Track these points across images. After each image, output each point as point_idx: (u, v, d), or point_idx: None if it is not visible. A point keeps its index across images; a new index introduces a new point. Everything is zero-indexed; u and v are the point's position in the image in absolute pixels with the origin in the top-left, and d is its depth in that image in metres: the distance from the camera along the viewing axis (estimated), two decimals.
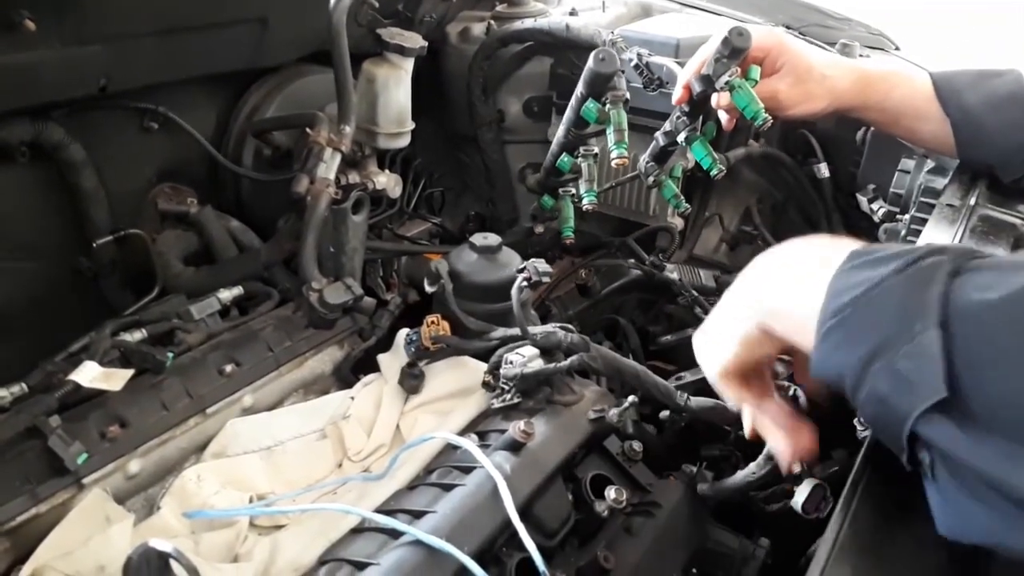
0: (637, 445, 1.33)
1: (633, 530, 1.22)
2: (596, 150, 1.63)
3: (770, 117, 1.33)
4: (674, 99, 1.45)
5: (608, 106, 1.50)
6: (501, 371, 1.24)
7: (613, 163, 1.49)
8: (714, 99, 1.39)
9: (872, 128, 1.89)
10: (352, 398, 1.47)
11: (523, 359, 1.23)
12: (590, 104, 1.54)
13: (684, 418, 1.30)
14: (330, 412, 1.43)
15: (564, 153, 1.69)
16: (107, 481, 1.17)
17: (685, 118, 1.46)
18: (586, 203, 1.59)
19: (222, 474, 1.25)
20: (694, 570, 1.23)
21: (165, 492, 1.22)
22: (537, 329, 1.26)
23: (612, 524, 1.22)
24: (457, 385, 1.42)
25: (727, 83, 1.32)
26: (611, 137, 1.48)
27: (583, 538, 1.19)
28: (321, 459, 1.37)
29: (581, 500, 1.20)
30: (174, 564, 0.81)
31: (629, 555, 1.17)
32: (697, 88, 1.38)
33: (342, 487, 1.29)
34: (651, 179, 1.65)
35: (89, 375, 1.19)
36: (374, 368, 1.53)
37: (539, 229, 1.93)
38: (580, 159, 1.62)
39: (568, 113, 1.67)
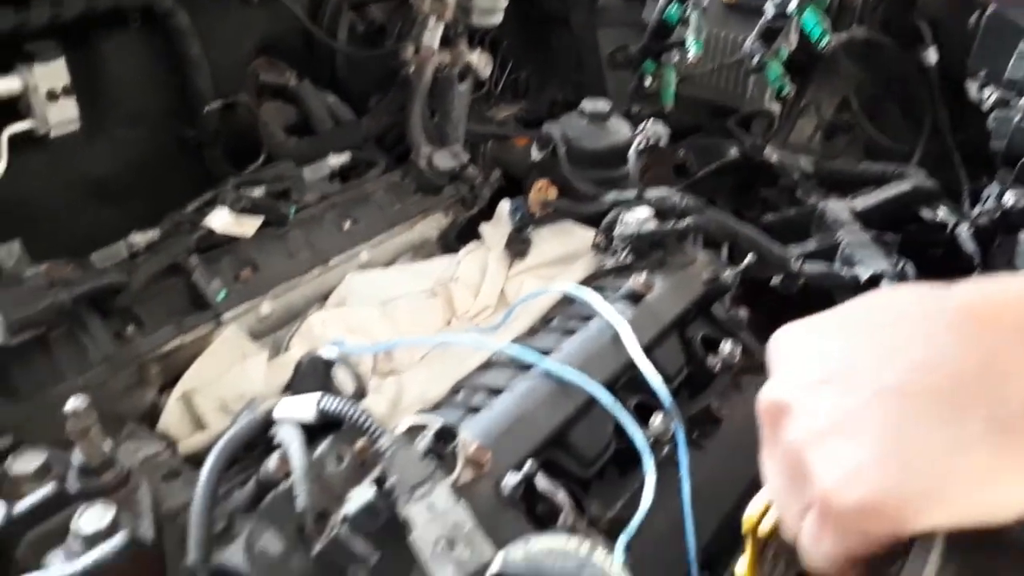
0: (743, 311, 1.36)
1: (742, 387, 1.25)
2: (705, 2, 1.60)
3: None
4: None
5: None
6: (616, 231, 1.26)
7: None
8: None
9: (988, 10, 1.81)
10: (458, 263, 1.51)
11: (638, 219, 1.24)
12: None
13: (796, 284, 1.31)
14: (438, 274, 1.48)
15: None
16: (242, 320, 1.24)
17: None
18: (692, 54, 1.57)
19: (344, 321, 1.31)
20: None
21: (293, 334, 1.29)
22: (652, 192, 1.27)
23: (721, 381, 1.26)
24: (563, 251, 1.45)
25: None
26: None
27: (692, 392, 1.22)
28: (431, 316, 1.42)
29: (692, 357, 1.24)
30: (338, 371, 0.86)
31: (738, 408, 1.20)
32: None
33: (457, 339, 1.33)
34: (756, 60, 1.62)
35: (222, 220, 1.24)
36: (475, 239, 1.57)
37: (635, 109, 1.91)
38: (690, 8, 1.59)
39: None
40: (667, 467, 1.01)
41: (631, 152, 1.23)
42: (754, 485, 1.19)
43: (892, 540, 0.48)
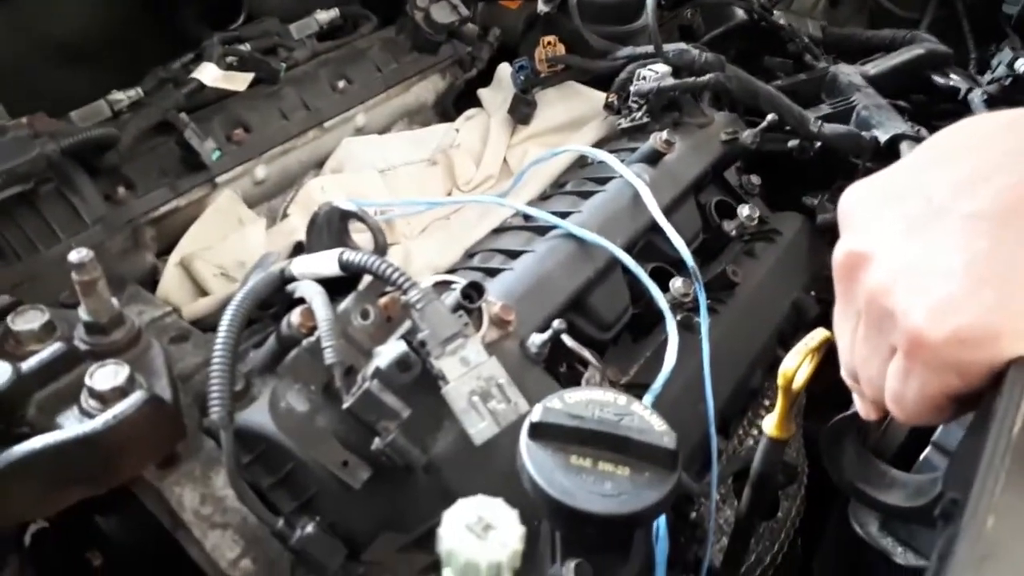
0: (755, 178, 1.32)
1: (755, 253, 1.23)
2: None
3: None
4: None
5: None
6: (632, 88, 1.19)
7: None
8: None
9: None
10: (457, 130, 1.44)
11: (657, 74, 1.18)
12: None
13: (814, 146, 1.26)
14: (437, 142, 1.41)
15: None
16: (237, 184, 1.17)
17: None
18: None
19: (344, 187, 1.24)
20: (812, 292, 1.25)
21: (291, 200, 1.23)
22: (670, 46, 1.20)
23: (734, 247, 1.23)
24: (570, 115, 1.38)
25: None
26: None
27: (706, 258, 1.20)
28: (432, 185, 1.36)
29: (707, 222, 1.21)
30: (353, 225, 0.81)
31: (752, 274, 1.19)
32: None
33: (462, 207, 1.28)
34: None
35: (211, 75, 1.15)
36: (475, 106, 1.49)
37: None
38: None
39: None
40: (683, 332, 1.00)
41: (649, 3, 1.14)
42: (766, 350, 1.20)
43: (987, 372, 0.46)
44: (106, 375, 0.70)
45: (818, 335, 0.81)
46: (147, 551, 0.82)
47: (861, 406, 0.66)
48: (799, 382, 0.81)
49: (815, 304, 1.24)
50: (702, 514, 0.98)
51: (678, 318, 1.01)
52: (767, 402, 1.24)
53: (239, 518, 0.73)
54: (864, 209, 0.56)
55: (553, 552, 0.72)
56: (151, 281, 1.03)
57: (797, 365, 0.79)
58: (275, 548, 0.74)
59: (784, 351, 1.27)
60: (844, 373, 0.62)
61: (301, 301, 0.77)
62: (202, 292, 1.05)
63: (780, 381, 0.80)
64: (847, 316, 0.57)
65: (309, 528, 0.71)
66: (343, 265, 0.75)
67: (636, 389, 1.03)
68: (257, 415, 0.74)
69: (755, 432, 1.22)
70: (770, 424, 0.86)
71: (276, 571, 0.74)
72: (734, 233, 1.17)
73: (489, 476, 0.77)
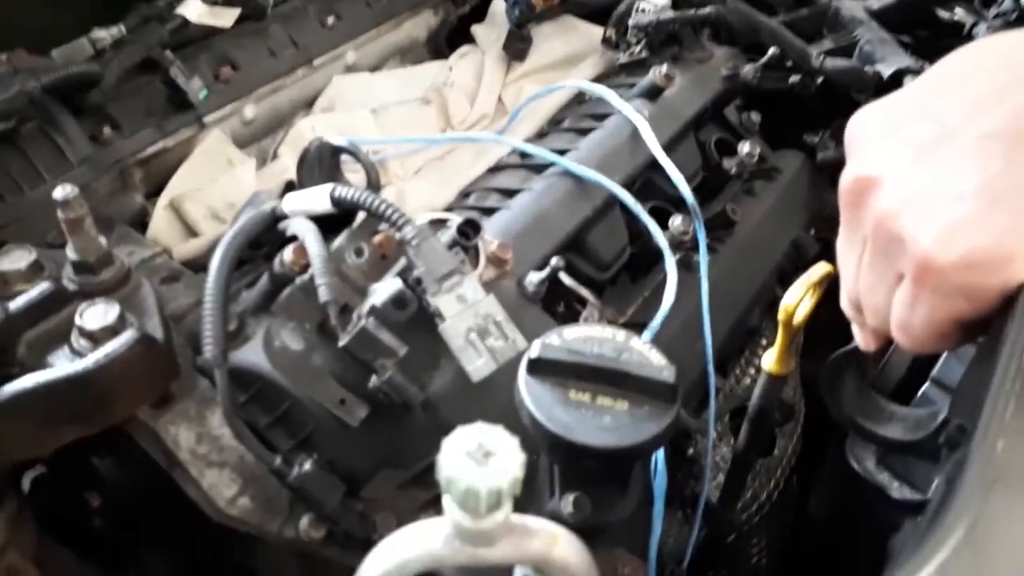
0: (755, 115, 1.29)
1: (755, 192, 1.21)
2: None
3: None
4: None
5: None
6: (630, 21, 1.16)
7: None
8: None
9: None
10: (450, 68, 1.40)
11: (655, 7, 1.14)
12: None
13: (815, 82, 1.24)
14: (430, 80, 1.38)
15: None
16: (225, 124, 1.14)
17: None
18: None
19: (335, 127, 1.21)
20: (812, 231, 1.24)
21: (281, 141, 1.20)
22: None
23: (734, 186, 1.21)
24: (567, 51, 1.35)
25: None
26: None
27: (705, 196, 1.18)
28: (425, 125, 1.33)
29: (707, 159, 1.18)
30: (346, 161, 0.79)
31: (752, 213, 1.17)
32: None
33: (457, 147, 1.26)
34: None
35: (196, 10, 1.11)
36: (468, 43, 1.46)
37: None
38: None
39: None
40: (682, 271, 0.98)
41: None
42: (765, 288, 1.19)
43: (998, 296, 0.45)
44: (96, 314, 0.69)
45: (819, 269, 0.80)
46: (144, 491, 0.82)
47: (861, 337, 0.65)
48: (799, 317, 0.80)
49: (815, 243, 1.23)
50: (699, 450, 0.98)
51: (677, 257, 1.00)
52: (764, 341, 1.23)
53: (236, 456, 0.73)
54: (872, 133, 0.54)
55: (552, 486, 0.72)
56: (140, 223, 1.01)
57: (798, 300, 0.78)
58: (273, 486, 0.74)
59: (783, 290, 1.26)
60: (846, 304, 0.61)
61: (293, 239, 0.75)
62: (192, 234, 1.03)
63: (781, 316, 0.79)
64: (852, 244, 0.55)
65: (307, 466, 0.71)
66: (335, 201, 0.74)
67: (634, 328, 1.02)
68: (252, 354, 0.73)
69: (752, 371, 1.22)
70: (769, 360, 0.86)
71: (274, 509, 0.74)
72: (734, 171, 1.15)
73: (487, 413, 0.75)
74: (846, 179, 0.54)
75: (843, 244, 0.57)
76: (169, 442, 0.71)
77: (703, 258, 0.97)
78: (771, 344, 1.26)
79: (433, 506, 0.79)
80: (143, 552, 1.01)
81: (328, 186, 0.74)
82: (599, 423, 0.64)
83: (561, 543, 0.42)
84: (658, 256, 1.01)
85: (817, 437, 1.24)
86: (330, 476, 0.72)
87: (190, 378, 0.75)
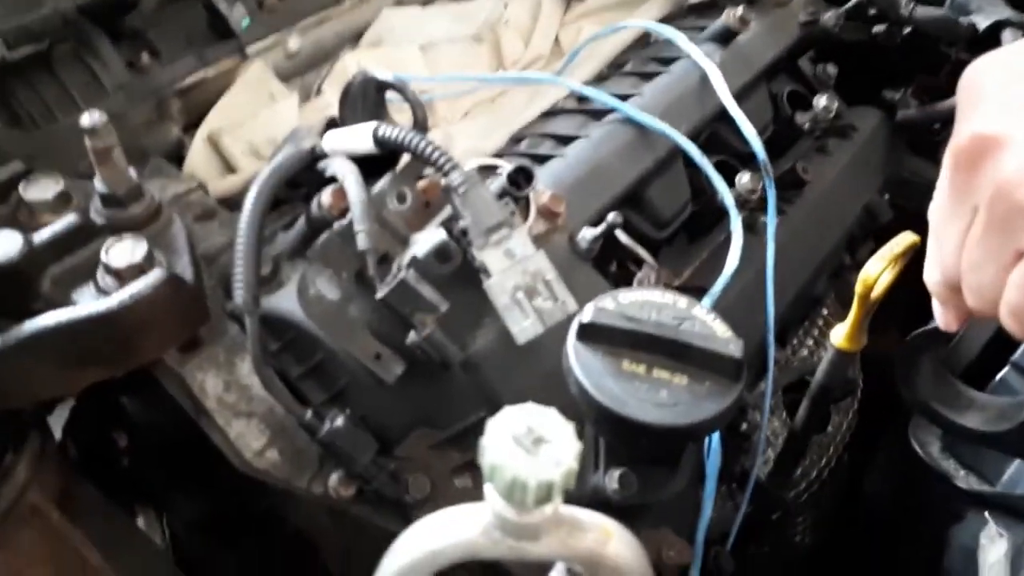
0: (832, 68, 1.19)
1: (828, 150, 1.12)
2: None
3: None
4: None
5: None
6: None
7: None
8: None
9: None
10: (506, 5, 1.32)
11: None
12: None
13: (901, 32, 1.13)
14: (483, 16, 1.29)
15: None
16: (268, 56, 1.09)
17: None
18: None
19: (382, 63, 1.15)
20: (887, 196, 1.15)
21: (326, 76, 1.14)
22: None
23: (804, 143, 1.13)
24: None
25: None
26: None
27: (774, 153, 1.09)
28: (477, 64, 1.26)
29: (778, 112, 1.10)
30: (392, 100, 0.74)
31: (824, 173, 1.09)
32: None
33: (509, 89, 1.19)
34: None
35: None
36: None
37: None
38: None
39: None
40: (745, 233, 0.91)
41: None
42: (833, 255, 1.11)
43: None
44: (122, 251, 0.65)
45: (904, 239, 0.72)
46: (170, 435, 0.79)
47: (944, 316, 0.59)
48: (878, 291, 0.73)
49: (888, 209, 1.14)
50: (752, 425, 0.93)
51: (741, 215, 0.92)
52: (826, 311, 1.16)
53: (265, 407, 0.70)
54: (994, 88, 0.47)
55: (596, 458, 0.67)
56: (176, 156, 0.97)
57: (880, 271, 0.71)
58: (303, 439, 0.70)
59: (851, 258, 1.19)
60: (935, 279, 0.54)
61: (332, 180, 0.70)
62: (230, 170, 0.99)
63: (858, 289, 0.73)
64: (958, 213, 0.48)
65: (339, 421, 0.67)
66: (378, 140, 0.68)
67: (690, 293, 0.96)
68: (285, 301, 0.69)
69: (810, 343, 1.15)
70: (839, 335, 0.79)
71: (303, 463, 0.70)
72: (807, 126, 1.06)
73: (530, 377, 0.72)
74: (961, 137, 0.46)
75: (944, 212, 0.50)
76: (195, 389, 0.68)
77: (771, 220, 0.90)
78: (833, 315, 1.19)
79: (468, 470, 0.75)
80: (170, 492, 0.99)
81: (371, 124, 0.69)
82: (654, 398, 0.58)
83: (615, 540, 0.37)
84: (720, 216, 0.94)
85: (873, 413, 1.17)
86: (363, 433, 0.69)
87: (220, 322, 0.72)
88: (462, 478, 0.75)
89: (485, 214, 0.65)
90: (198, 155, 0.99)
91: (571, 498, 0.72)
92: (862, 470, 1.15)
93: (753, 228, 0.96)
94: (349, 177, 0.67)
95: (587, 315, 0.60)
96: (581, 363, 0.59)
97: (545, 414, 0.34)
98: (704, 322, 0.63)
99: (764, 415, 0.91)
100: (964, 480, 0.93)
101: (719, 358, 0.59)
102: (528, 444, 0.33)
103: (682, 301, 0.64)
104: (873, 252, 1.20)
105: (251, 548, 0.99)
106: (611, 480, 0.64)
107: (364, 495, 0.70)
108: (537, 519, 0.35)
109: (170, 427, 0.76)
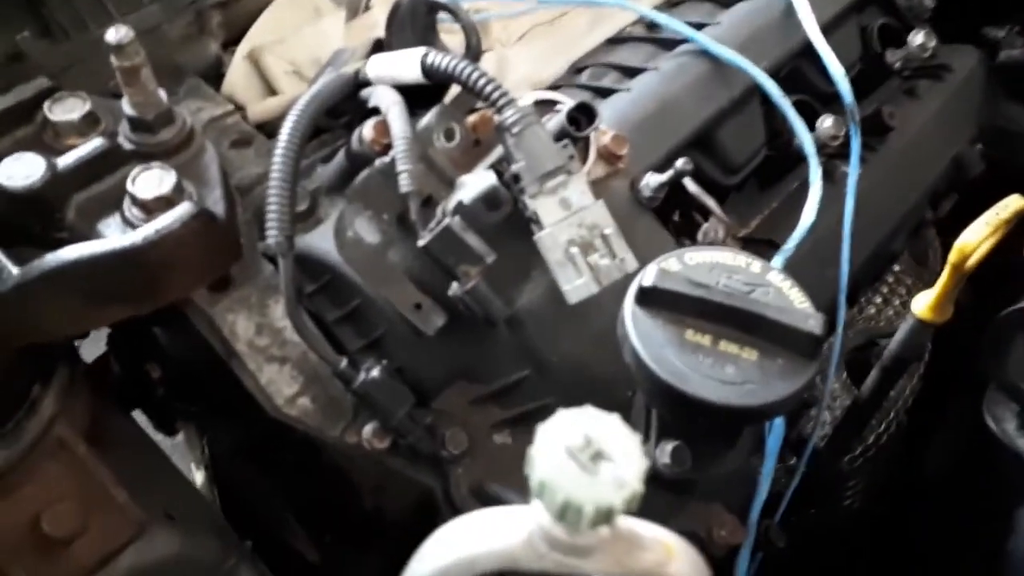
0: (928, 0, 1.07)
1: (917, 92, 1.02)
2: None
3: None
4: None
5: None
6: None
7: None
8: None
9: None
10: None
11: None
12: None
13: None
14: None
15: None
16: None
17: None
18: None
19: None
20: (980, 146, 1.05)
21: None
22: None
23: (892, 83, 1.03)
24: None
25: None
26: None
27: (858, 94, 0.99)
28: None
29: (867, 49, 1.00)
30: (443, 21, 0.67)
31: (912, 118, 0.99)
32: None
33: (571, 10, 1.10)
34: None
35: None
36: None
37: None
38: None
39: None
40: (823, 182, 0.83)
41: None
42: (915, 210, 1.02)
43: None
44: (149, 181, 0.60)
45: (1012, 204, 0.64)
46: (202, 371, 0.76)
47: None
48: (974, 260, 0.66)
49: (980, 161, 1.04)
50: (814, 393, 0.86)
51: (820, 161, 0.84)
52: (897, 267, 1.08)
53: (299, 352, 0.66)
54: None
55: (647, 428, 0.63)
56: (215, 75, 0.91)
57: (980, 239, 0.64)
58: (337, 387, 0.66)
59: (933, 213, 1.09)
60: None
61: (376, 111, 0.64)
62: (271, 91, 0.93)
63: (953, 257, 0.65)
64: None
65: (375, 372, 0.63)
66: (427, 70, 0.62)
67: (756, 245, 0.89)
68: (322, 241, 0.64)
69: (878, 300, 1.07)
70: (923, 304, 0.72)
71: (337, 412, 0.67)
72: (897, 65, 0.96)
73: (580, 338, 0.66)
74: None
75: None
76: (226, 331, 0.64)
77: (853, 170, 0.82)
78: (906, 272, 1.11)
79: (509, 427, 0.71)
80: (206, 420, 0.98)
81: (420, 51, 0.62)
82: (720, 374, 0.53)
83: (678, 560, 0.32)
84: (796, 162, 0.86)
85: (939, 378, 1.10)
86: (399, 385, 0.65)
87: (254, 261, 0.67)
88: (502, 434, 0.71)
89: (541, 158, 0.58)
90: (237, 74, 0.93)
91: None
92: (923, 437, 1.09)
93: (831, 177, 0.88)
94: (393, 110, 0.61)
95: (649, 278, 0.54)
96: (639, 331, 0.54)
97: (607, 422, 0.29)
98: (780, 290, 0.56)
99: (828, 382, 0.85)
100: None
101: (796, 333, 0.53)
102: (585, 460, 0.28)
103: (756, 265, 0.58)
104: (957, 207, 1.11)
105: (288, 473, 0.98)
106: (663, 454, 0.59)
107: (399, 448, 0.67)
108: (591, 540, 0.30)
109: (201, 364, 0.73)
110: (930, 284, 1.14)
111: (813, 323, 0.52)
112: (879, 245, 0.93)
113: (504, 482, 0.69)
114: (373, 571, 0.91)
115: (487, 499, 0.69)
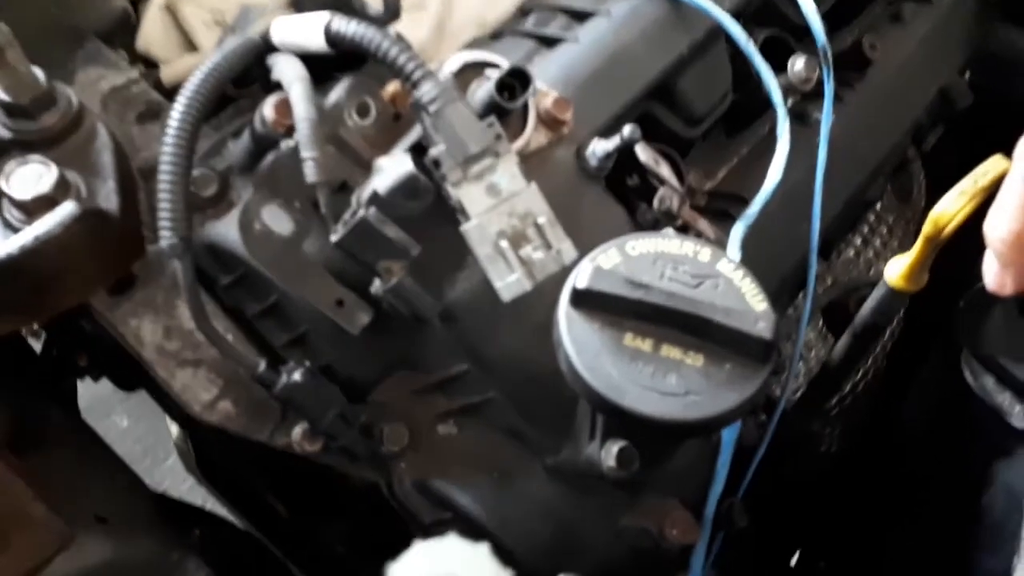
0: None
1: (902, 17, 0.94)
2: None
3: None
4: None
5: None
6: None
7: None
8: None
9: None
10: None
11: None
12: None
13: None
14: None
15: None
16: None
17: None
18: None
19: None
20: (967, 74, 0.97)
21: None
22: None
23: (874, 9, 0.94)
24: None
25: None
26: None
27: (836, 23, 0.91)
28: None
29: None
30: None
31: (895, 48, 0.91)
32: None
33: None
34: None
35: None
36: None
37: None
38: None
39: None
40: (794, 124, 0.76)
41: None
42: (896, 150, 0.95)
43: None
44: (26, 178, 0.53)
45: (992, 168, 0.58)
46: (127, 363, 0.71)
47: (996, 278, 0.49)
48: (950, 230, 0.60)
49: (968, 92, 0.96)
50: (785, 353, 0.82)
51: (789, 104, 0.77)
52: (878, 205, 1.01)
53: (214, 354, 0.60)
54: None
55: (592, 427, 0.58)
56: (123, 33, 0.82)
57: (957, 210, 0.58)
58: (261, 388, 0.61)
59: (916, 151, 1.02)
60: (1001, 233, 0.47)
61: (279, 86, 0.57)
62: (192, 45, 0.84)
63: (927, 229, 0.59)
64: None
65: (296, 375, 0.58)
66: (331, 38, 0.54)
67: (723, 200, 0.82)
68: (227, 232, 0.58)
69: (858, 241, 1.01)
70: (896, 271, 0.66)
71: (263, 414, 0.62)
72: None
73: (520, 332, 0.61)
74: None
75: None
76: (131, 337, 0.58)
77: (826, 119, 0.75)
78: (887, 209, 1.05)
79: (454, 416, 0.66)
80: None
81: (323, 16, 0.54)
82: (660, 384, 0.48)
83: None
84: (765, 105, 0.79)
85: (919, 325, 1.05)
86: (326, 385, 0.60)
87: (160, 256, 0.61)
88: (446, 425, 0.67)
89: (463, 139, 0.52)
90: (153, 27, 0.84)
91: (564, 468, 0.64)
92: (902, 383, 1.06)
93: (804, 119, 0.81)
94: (295, 87, 0.53)
95: (583, 279, 0.48)
96: (573, 336, 0.48)
97: (466, 553, 0.24)
98: (730, 283, 0.51)
99: (798, 342, 0.81)
100: (1020, 417, 0.83)
101: (745, 338, 0.47)
102: None
103: (705, 252, 0.52)
104: (943, 140, 1.04)
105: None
106: (607, 455, 0.54)
107: (331, 450, 0.62)
108: None
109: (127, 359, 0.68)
110: (913, 221, 1.08)
111: (763, 326, 0.47)
112: (855, 192, 0.87)
113: (449, 475, 0.65)
114: (340, 532, 0.90)
115: (431, 495, 0.65)
